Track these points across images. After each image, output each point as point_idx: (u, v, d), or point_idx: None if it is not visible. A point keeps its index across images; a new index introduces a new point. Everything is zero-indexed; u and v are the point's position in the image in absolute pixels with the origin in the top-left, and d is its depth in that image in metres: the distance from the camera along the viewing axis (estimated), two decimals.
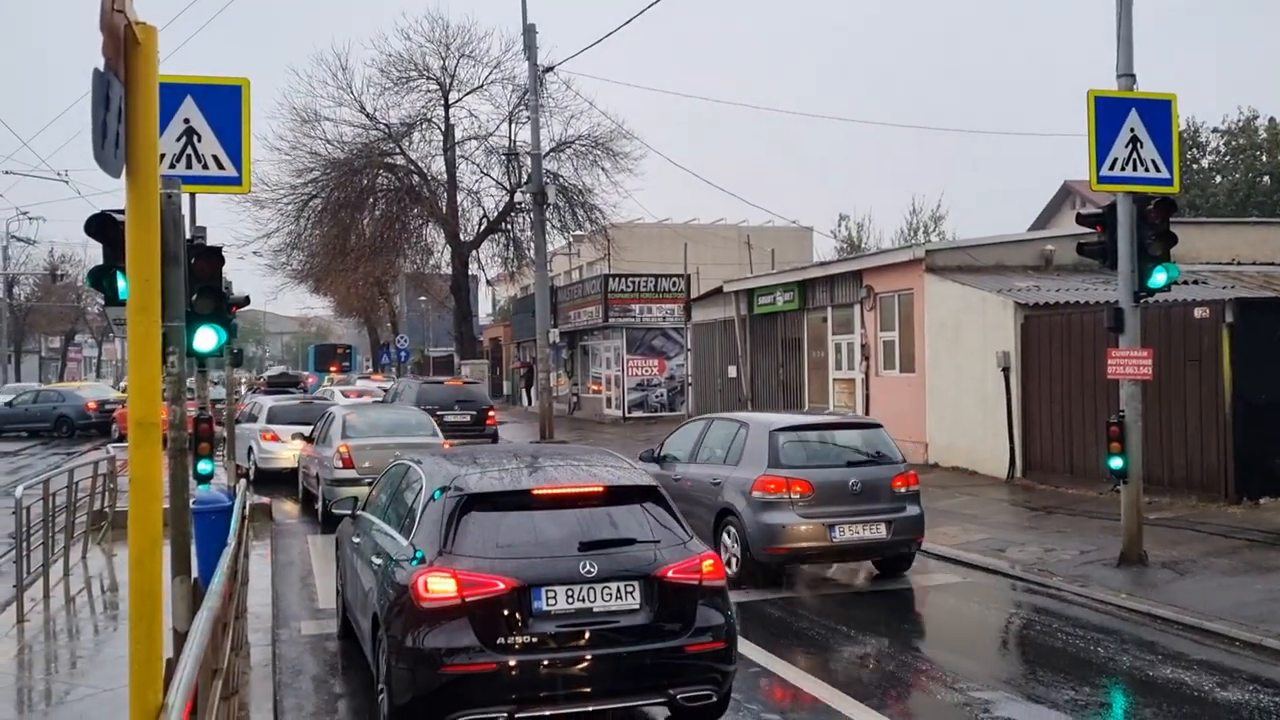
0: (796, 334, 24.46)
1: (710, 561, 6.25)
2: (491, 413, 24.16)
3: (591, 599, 5.89)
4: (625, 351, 35.72)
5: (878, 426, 11.60)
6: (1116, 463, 10.82)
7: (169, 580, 6.09)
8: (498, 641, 5.70)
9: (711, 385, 29.12)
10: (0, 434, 34.70)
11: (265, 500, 15.79)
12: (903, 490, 10.68)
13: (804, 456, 10.77)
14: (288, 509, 16.77)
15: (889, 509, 10.48)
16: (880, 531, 10.40)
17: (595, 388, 38.94)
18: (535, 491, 6.29)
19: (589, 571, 5.89)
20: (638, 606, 5.95)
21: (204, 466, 9.06)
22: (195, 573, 7.07)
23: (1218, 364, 13.56)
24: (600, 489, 6.39)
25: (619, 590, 5.95)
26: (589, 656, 5.81)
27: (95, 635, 9.29)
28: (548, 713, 5.81)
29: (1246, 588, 9.74)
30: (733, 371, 27.37)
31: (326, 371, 59.75)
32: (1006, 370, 16.94)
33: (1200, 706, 6.86)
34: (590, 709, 5.95)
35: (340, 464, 14.80)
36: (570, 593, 5.85)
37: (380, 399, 27.11)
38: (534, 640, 5.74)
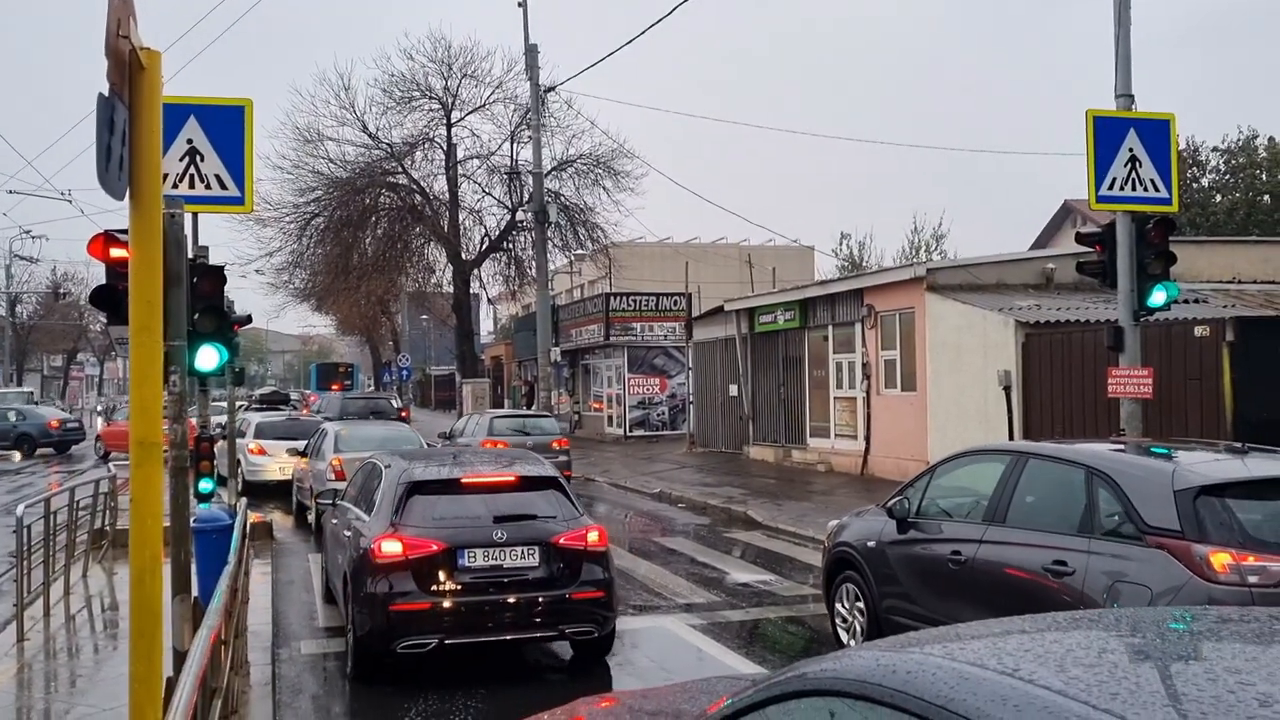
0: (797, 353, 24.47)
1: (595, 533, 7.97)
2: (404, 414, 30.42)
3: (502, 558, 7.62)
4: (627, 370, 35.74)
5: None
6: None
7: (169, 599, 6.09)
8: (431, 588, 7.44)
9: (713, 403, 29.12)
10: None
11: (267, 518, 15.85)
12: None
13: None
14: (279, 520, 17.18)
15: None
16: None
17: (596, 406, 38.93)
18: (463, 480, 8.12)
19: (500, 538, 7.65)
20: (537, 564, 7.69)
21: (205, 485, 9.06)
22: (195, 591, 7.08)
23: (1218, 382, 13.55)
24: (513, 478, 8.19)
25: (523, 552, 7.68)
26: (498, 600, 7.53)
27: (95, 654, 9.27)
28: (467, 640, 7.55)
29: None
30: (734, 390, 27.36)
31: (328, 390, 59.77)
32: (1008, 389, 16.93)
33: None
34: (498, 639, 7.65)
35: (333, 476, 15.35)
36: (486, 553, 7.60)
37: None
38: (458, 588, 7.49)
